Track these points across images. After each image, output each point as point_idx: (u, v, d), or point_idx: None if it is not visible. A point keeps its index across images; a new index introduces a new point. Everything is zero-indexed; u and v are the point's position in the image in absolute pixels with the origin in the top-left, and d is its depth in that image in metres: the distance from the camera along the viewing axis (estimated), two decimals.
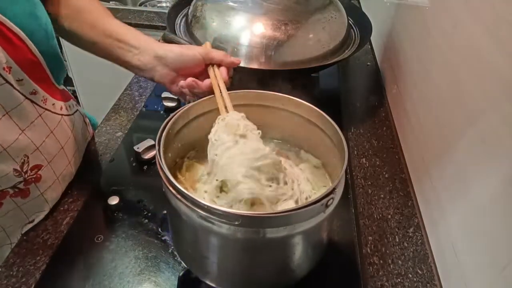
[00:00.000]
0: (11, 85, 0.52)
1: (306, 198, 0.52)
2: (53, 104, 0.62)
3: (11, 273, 0.57)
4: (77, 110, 0.72)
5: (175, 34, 0.88)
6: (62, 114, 0.65)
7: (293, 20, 0.80)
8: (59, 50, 0.62)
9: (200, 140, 0.60)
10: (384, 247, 0.63)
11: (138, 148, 0.75)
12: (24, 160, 0.58)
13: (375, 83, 1.05)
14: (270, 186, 0.49)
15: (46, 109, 0.60)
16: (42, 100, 0.59)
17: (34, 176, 0.60)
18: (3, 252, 0.63)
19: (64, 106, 0.66)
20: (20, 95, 0.55)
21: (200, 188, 0.55)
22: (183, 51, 0.61)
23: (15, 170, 0.57)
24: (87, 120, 0.79)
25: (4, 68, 0.51)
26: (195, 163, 0.59)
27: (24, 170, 0.58)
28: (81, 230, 0.63)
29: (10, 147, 0.55)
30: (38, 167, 0.60)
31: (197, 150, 0.60)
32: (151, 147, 0.75)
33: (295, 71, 0.80)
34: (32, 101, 0.57)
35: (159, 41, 0.65)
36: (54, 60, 0.60)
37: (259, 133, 0.53)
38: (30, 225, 0.64)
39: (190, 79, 0.59)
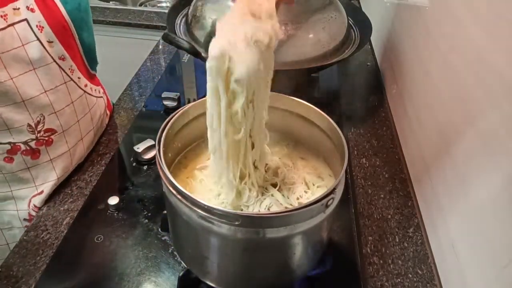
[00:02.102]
0: (42, 44, 0.58)
1: (298, 198, 0.53)
2: (79, 78, 0.67)
3: (11, 273, 0.57)
4: (102, 97, 0.78)
5: (175, 34, 0.88)
6: (85, 91, 0.70)
7: (293, 20, 0.80)
8: (91, 26, 0.68)
9: (199, 138, 0.60)
10: (384, 247, 0.63)
11: (138, 148, 0.75)
12: (40, 119, 0.62)
13: (375, 83, 1.05)
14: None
15: (71, 79, 0.65)
16: (69, 69, 0.64)
17: (47, 138, 0.64)
18: (9, 217, 0.67)
19: (89, 86, 0.71)
20: (49, 57, 0.60)
21: (198, 175, 0.55)
22: None
23: (29, 125, 0.61)
24: (109, 113, 0.84)
25: (37, 26, 0.57)
26: (193, 157, 0.59)
27: (38, 129, 0.63)
28: (81, 230, 0.63)
29: (29, 101, 0.59)
30: (52, 131, 0.65)
31: (197, 144, 0.60)
32: (151, 147, 0.75)
33: (295, 71, 0.80)
34: (60, 67, 0.62)
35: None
36: (83, 31, 0.66)
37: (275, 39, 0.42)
38: (38, 198, 0.66)
39: None
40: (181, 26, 0.92)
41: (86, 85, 0.70)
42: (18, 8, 0.55)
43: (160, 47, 1.15)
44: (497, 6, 0.51)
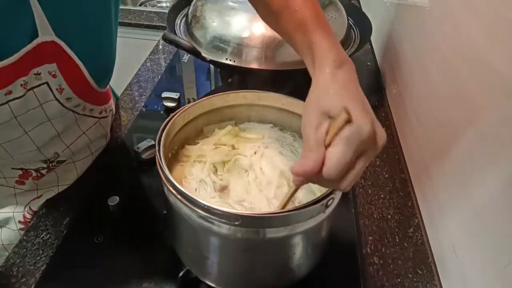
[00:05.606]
0: (60, 102, 0.57)
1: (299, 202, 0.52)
2: (91, 110, 0.66)
3: (11, 273, 0.57)
4: (112, 109, 0.77)
5: (175, 34, 0.88)
6: (98, 117, 0.69)
7: None
8: (114, 65, 0.66)
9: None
10: (384, 247, 0.63)
11: (138, 148, 0.75)
12: (54, 156, 0.64)
13: (375, 83, 1.04)
14: None
15: (83, 114, 0.65)
16: (82, 109, 0.64)
17: (57, 166, 0.66)
18: (5, 218, 0.67)
19: (103, 110, 0.70)
20: (66, 110, 0.60)
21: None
22: None
23: (43, 161, 0.64)
24: (113, 115, 0.83)
25: (57, 89, 0.56)
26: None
27: (51, 161, 0.64)
28: (81, 230, 0.63)
29: (43, 147, 0.60)
30: (62, 162, 0.67)
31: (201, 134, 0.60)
32: (151, 147, 0.75)
33: (295, 71, 0.80)
34: (74, 112, 0.62)
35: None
36: (106, 78, 0.66)
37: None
38: (37, 203, 0.66)
39: None
40: (181, 26, 0.92)
41: (101, 112, 0.69)
42: (39, 73, 0.53)
43: (160, 47, 1.15)
44: (497, 6, 0.51)
